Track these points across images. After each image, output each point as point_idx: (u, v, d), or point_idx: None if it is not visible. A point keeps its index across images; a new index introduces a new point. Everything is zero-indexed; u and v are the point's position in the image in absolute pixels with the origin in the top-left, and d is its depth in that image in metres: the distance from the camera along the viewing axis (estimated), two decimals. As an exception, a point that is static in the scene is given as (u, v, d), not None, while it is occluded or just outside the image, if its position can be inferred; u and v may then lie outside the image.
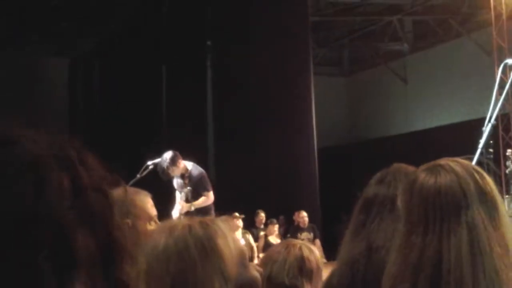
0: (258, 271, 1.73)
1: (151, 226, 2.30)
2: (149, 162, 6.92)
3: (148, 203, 2.37)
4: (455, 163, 1.53)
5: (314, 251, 2.32)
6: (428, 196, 1.49)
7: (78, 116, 16.02)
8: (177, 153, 7.38)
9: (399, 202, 1.59)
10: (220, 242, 1.34)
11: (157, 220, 2.33)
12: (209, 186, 7.57)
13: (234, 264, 1.30)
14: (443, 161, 1.56)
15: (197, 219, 1.39)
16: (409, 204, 1.53)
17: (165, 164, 7.18)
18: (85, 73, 16.21)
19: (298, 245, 2.31)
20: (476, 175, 1.50)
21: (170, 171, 7.26)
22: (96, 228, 0.72)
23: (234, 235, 1.35)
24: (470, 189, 1.47)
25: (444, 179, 1.49)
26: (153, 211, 2.37)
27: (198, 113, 12.72)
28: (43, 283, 0.67)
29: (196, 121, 12.60)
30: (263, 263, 2.30)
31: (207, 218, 1.37)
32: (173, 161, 7.25)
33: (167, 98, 13.41)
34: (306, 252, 2.27)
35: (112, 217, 0.76)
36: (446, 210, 1.46)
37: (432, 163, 1.58)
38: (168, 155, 7.27)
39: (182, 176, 7.50)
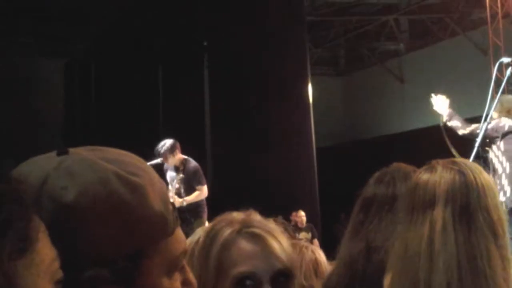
0: None
1: None
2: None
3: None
4: (450, 163, 1.55)
5: (323, 255, 2.36)
6: (409, 189, 1.57)
7: (75, 117, 15.99)
8: (178, 143, 7.43)
9: None
10: None
11: None
12: (204, 180, 7.54)
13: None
14: (447, 159, 1.59)
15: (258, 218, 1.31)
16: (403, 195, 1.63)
17: (163, 149, 7.25)
18: (81, 74, 16.18)
19: (310, 248, 2.36)
20: (467, 175, 1.50)
21: (165, 157, 7.30)
22: None
23: None
24: (441, 189, 1.48)
25: (425, 176, 1.52)
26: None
27: (195, 112, 12.72)
28: None
29: (193, 121, 12.59)
30: None
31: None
32: (172, 149, 7.31)
33: (163, 98, 13.41)
34: (318, 255, 2.33)
35: None
36: (417, 205, 1.51)
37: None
38: (168, 141, 7.34)
39: (177, 169, 7.50)
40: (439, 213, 1.47)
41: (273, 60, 11.53)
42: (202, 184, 7.47)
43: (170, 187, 7.47)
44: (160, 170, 7.31)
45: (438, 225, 1.45)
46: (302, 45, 12.10)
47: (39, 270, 0.67)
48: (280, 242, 1.26)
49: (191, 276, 0.89)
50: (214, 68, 12.84)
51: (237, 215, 1.30)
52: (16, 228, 0.67)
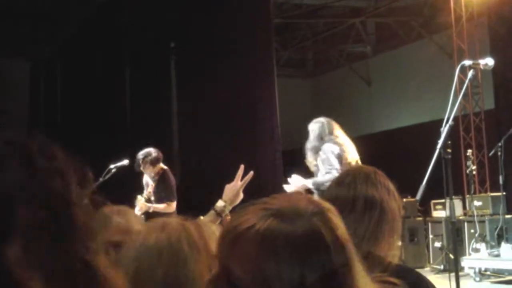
0: None
1: None
2: (112, 166, 6.88)
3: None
4: None
5: None
6: None
7: (40, 119, 15.79)
8: (161, 156, 7.37)
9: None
10: (212, 242, 1.36)
11: None
12: (173, 197, 7.48)
13: None
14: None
15: (190, 220, 1.45)
16: None
17: (145, 158, 7.20)
18: (47, 76, 15.99)
19: None
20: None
21: (142, 168, 7.25)
22: (47, 204, 0.77)
23: None
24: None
25: None
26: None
27: (163, 114, 12.65)
28: None
29: (160, 123, 12.52)
30: None
31: (200, 220, 1.45)
32: (153, 162, 7.25)
33: (131, 101, 13.31)
34: None
35: (70, 196, 0.80)
36: None
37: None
38: (154, 153, 7.26)
39: (153, 177, 7.47)
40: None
41: (240, 62, 11.54)
42: (171, 200, 7.40)
43: (144, 191, 7.42)
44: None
45: None
46: (269, 47, 12.11)
47: None
48: None
49: None
50: (181, 70, 12.79)
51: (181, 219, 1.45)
52: None
